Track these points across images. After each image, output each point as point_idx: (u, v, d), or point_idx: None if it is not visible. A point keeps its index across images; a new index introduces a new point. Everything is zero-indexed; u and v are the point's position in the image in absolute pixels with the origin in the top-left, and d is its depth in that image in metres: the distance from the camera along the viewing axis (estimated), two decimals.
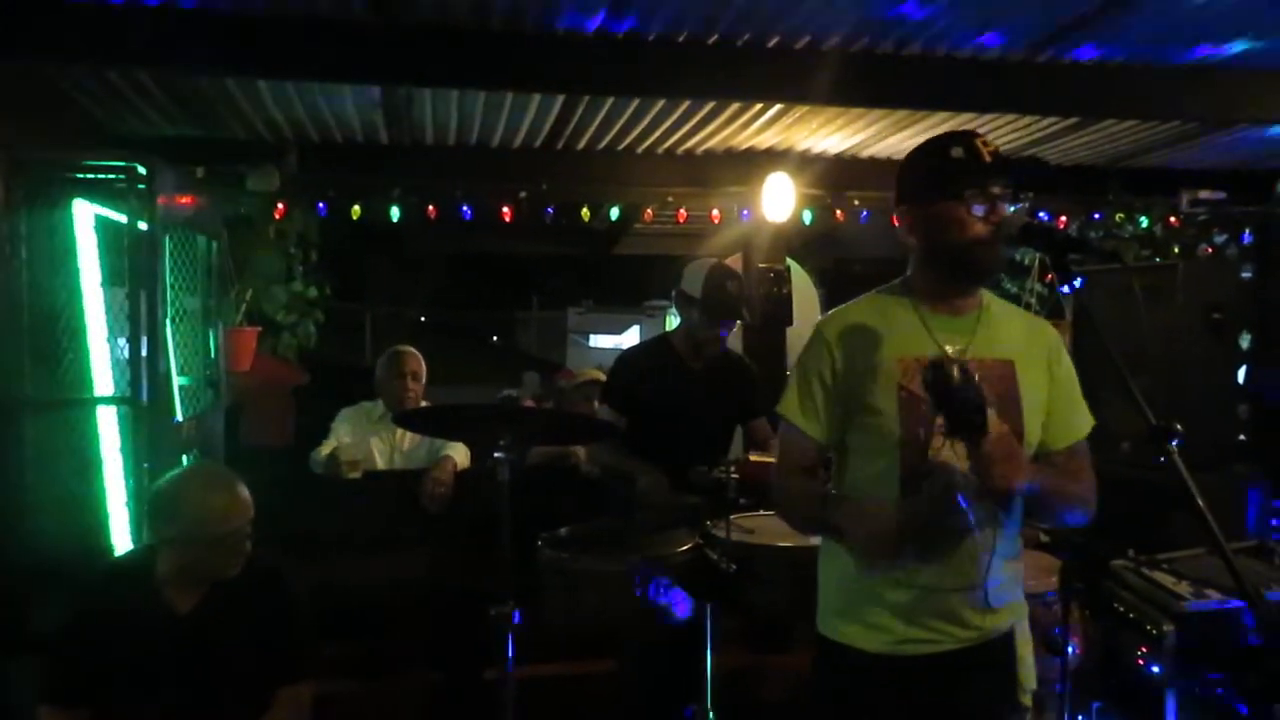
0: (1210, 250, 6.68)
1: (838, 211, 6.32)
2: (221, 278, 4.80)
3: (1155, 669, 2.95)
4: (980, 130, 3.61)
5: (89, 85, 4.49)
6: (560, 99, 4.85)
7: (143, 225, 3.59)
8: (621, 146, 5.82)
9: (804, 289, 6.38)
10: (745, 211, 6.18)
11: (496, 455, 2.56)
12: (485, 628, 2.52)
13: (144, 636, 2.45)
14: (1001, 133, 5.38)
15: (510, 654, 2.53)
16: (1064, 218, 6.60)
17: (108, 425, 3.66)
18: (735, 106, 4.98)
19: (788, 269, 6.08)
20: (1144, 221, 6.42)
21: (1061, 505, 2.03)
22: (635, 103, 4.93)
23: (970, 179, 1.89)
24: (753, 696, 3.47)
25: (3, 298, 3.42)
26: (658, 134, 5.52)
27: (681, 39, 4.03)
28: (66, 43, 3.66)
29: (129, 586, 2.52)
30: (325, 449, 4.33)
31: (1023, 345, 2.03)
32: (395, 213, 6.00)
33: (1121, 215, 6.46)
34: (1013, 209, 1.91)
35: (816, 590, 2.14)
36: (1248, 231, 6.49)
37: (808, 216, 6.27)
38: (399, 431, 4.42)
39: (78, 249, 3.63)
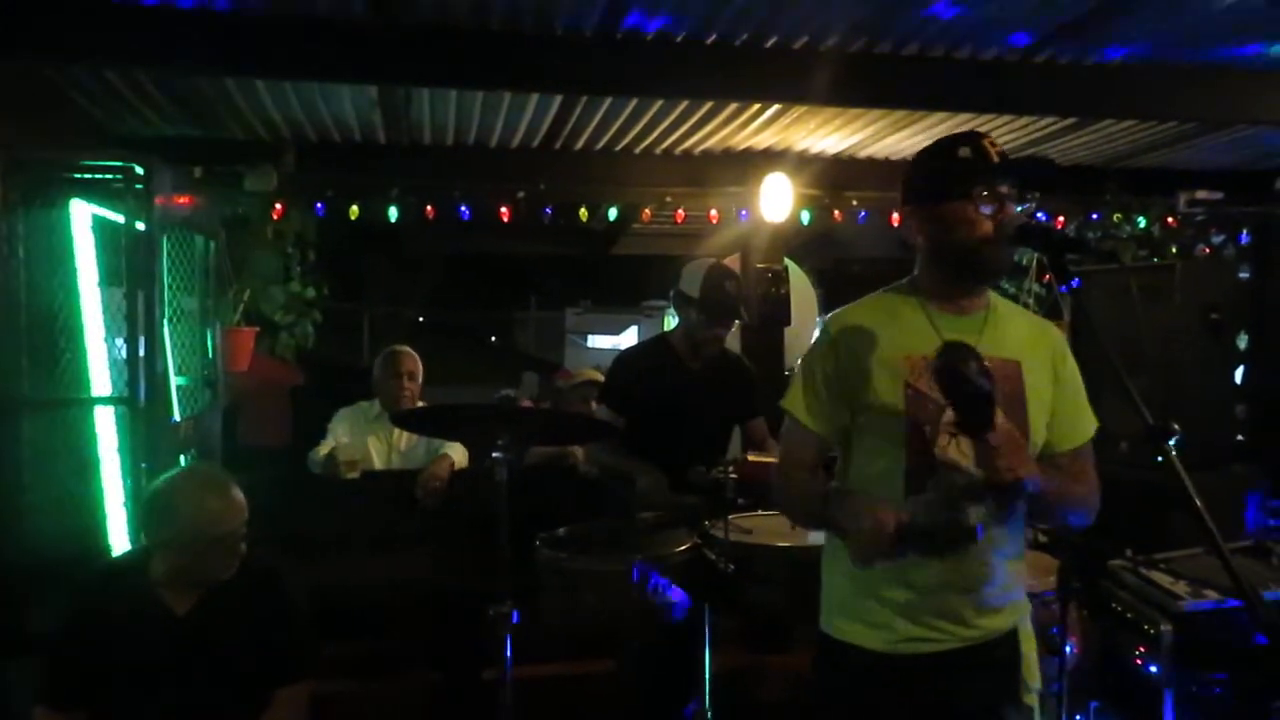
0: (1208, 250, 6.70)
1: (835, 212, 6.32)
2: (219, 278, 4.80)
3: (1153, 669, 2.95)
4: (979, 130, 3.61)
5: (87, 85, 4.48)
6: (558, 99, 4.85)
7: (140, 225, 3.60)
8: (620, 146, 5.82)
9: (802, 289, 6.38)
10: (743, 211, 6.18)
11: (494, 455, 2.56)
12: (484, 628, 2.52)
13: (142, 638, 2.44)
14: (1000, 133, 5.38)
15: (509, 654, 2.53)
16: (1062, 218, 6.60)
17: (105, 425, 3.66)
18: (733, 106, 4.98)
19: (786, 269, 6.08)
20: (1142, 222, 6.42)
21: (1065, 507, 2.04)
22: (633, 102, 4.94)
23: (978, 178, 1.90)
24: (751, 696, 3.47)
25: (0, 297, 3.42)
26: (656, 134, 5.53)
27: (679, 39, 4.04)
28: (66, 43, 3.65)
29: (125, 588, 2.51)
30: (323, 449, 4.33)
31: (1029, 346, 2.04)
32: (393, 213, 6.00)
33: (1119, 215, 6.45)
34: (1020, 209, 1.92)
35: (815, 590, 2.14)
36: (1245, 232, 6.51)
37: (806, 216, 6.27)
38: (396, 431, 4.42)
39: (75, 249, 3.63)
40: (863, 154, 6.02)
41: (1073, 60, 4.33)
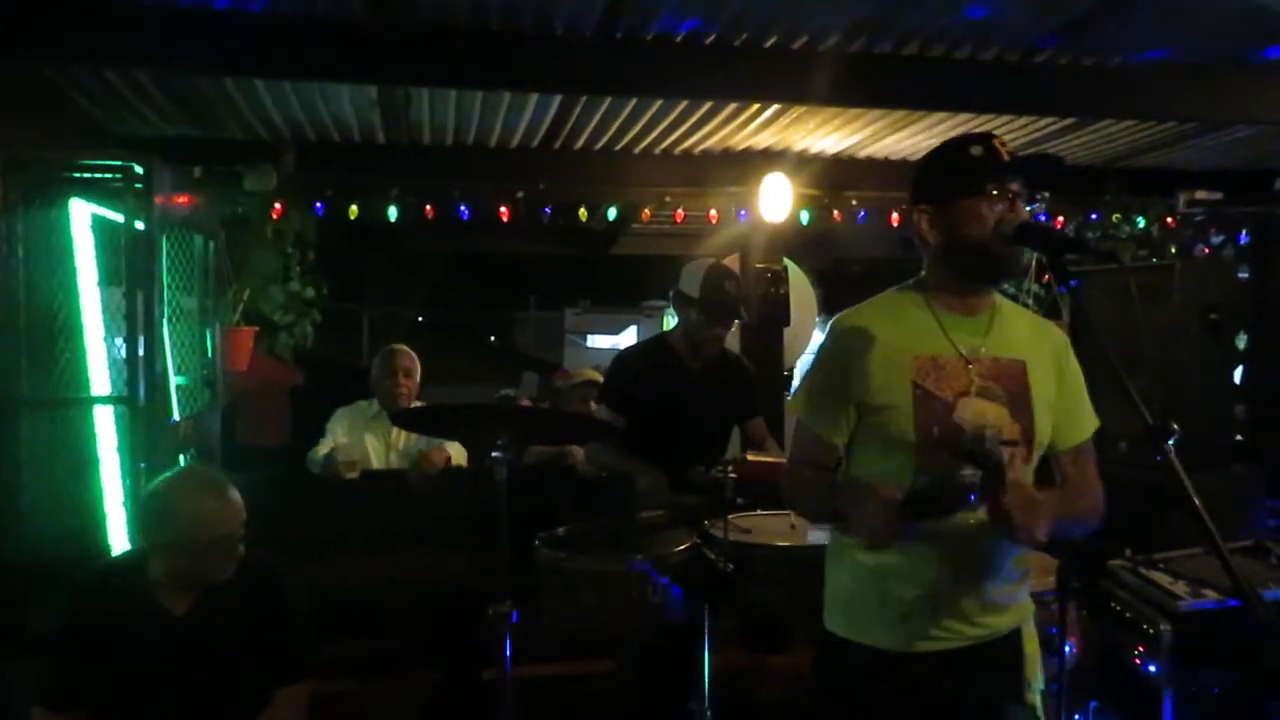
0: (1207, 250, 6.69)
1: (835, 212, 6.31)
2: (219, 277, 4.81)
3: (1152, 668, 2.95)
4: (979, 130, 3.61)
5: (87, 85, 4.48)
6: (558, 99, 4.85)
7: (140, 225, 3.60)
8: (619, 146, 5.82)
9: (801, 289, 6.37)
10: (743, 211, 6.18)
11: (494, 455, 2.56)
12: (483, 628, 2.52)
13: (140, 638, 2.44)
14: (1000, 133, 5.30)
15: (508, 654, 2.53)
16: (1061, 218, 6.60)
17: (104, 425, 3.67)
18: (732, 106, 4.98)
19: (785, 269, 6.08)
20: (1141, 222, 6.42)
21: (1076, 526, 2.05)
22: (633, 102, 4.93)
23: (990, 176, 1.92)
24: (751, 696, 3.46)
25: (0, 297, 3.42)
26: (655, 134, 5.52)
27: (679, 39, 4.03)
28: (66, 43, 3.65)
29: (124, 588, 2.51)
30: (323, 449, 4.33)
31: (1033, 345, 2.05)
32: (393, 212, 5.99)
33: (1118, 215, 6.45)
34: (1030, 208, 1.94)
35: (815, 590, 2.15)
36: (1245, 232, 6.51)
37: (805, 216, 6.26)
38: (394, 430, 4.42)
39: (75, 248, 3.63)
40: (862, 154, 6.02)
41: (1073, 60, 4.33)
